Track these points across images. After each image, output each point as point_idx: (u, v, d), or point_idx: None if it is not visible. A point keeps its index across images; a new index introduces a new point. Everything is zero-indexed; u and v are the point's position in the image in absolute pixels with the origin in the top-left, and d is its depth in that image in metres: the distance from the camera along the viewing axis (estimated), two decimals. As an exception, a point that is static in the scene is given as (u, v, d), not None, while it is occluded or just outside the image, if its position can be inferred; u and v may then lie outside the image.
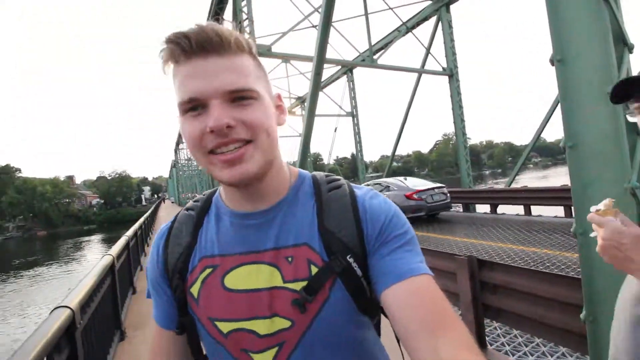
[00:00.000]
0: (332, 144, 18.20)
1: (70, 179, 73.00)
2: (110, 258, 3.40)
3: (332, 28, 9.50)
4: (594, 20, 1.54)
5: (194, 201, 0.65)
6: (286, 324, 0.53)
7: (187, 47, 0.47)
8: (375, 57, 9.83)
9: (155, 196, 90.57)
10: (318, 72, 4.39)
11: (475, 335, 2.49)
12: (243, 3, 7.62)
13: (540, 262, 4.80)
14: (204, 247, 0.58)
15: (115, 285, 3.42)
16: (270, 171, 0.55)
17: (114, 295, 3.36)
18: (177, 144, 39.73)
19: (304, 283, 0.52)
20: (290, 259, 0.54)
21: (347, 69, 14.82)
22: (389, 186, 9.27)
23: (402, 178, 9.71)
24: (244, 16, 7.58)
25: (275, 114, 0.55)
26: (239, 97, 0.49)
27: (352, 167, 15.53)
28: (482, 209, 10.25)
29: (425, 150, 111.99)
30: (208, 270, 0.57)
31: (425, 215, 8.74)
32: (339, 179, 0.61)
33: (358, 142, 15.47)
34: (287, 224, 0.56)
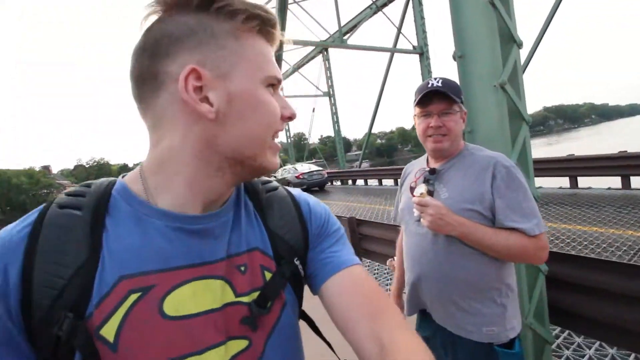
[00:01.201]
0: (310, 124, 18.39)
1: (46, 169, 70.29)
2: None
3: (301, 9, 9.44)
4: (485, 23, 1.78)
5: (70, 194, 0.45)
6: (242, 344, 0.46)
7: (275, 35, 0.48)
8: (345, 37, 9.86)
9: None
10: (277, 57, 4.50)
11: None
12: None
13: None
14: (121, 262, 0.41)
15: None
16: None
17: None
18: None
19: (258, 293, 0.48)
20: (243, 267, 0.48)
21: (322, 47, 14.70)
22: (290, 170, 13.68)
23: (298, 164, 15.11)
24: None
25: None
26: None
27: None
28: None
29: (408, 126, 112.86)
30: (135, 296, 0.40)
31: (305, 188, 12.04)
32: (272, 181, 0.60)
33: (335, 122, 15.61)
34: (237, 228, 0.50)
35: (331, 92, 15.56)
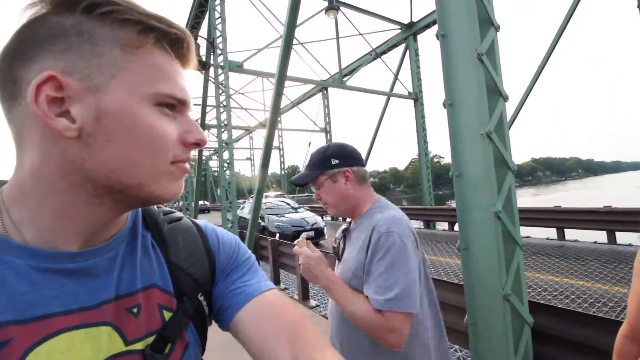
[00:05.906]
0: (305, 157, 18.70)
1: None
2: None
3: (304, 49, 10.00)
4: (473, 76, 1.89)
5: None
6: None
7: (184, 53, 0.42)
8: (345, 79, 10.35)
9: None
10: (279, 93, 4.64)
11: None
12: (217, 21, 7.89)
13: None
14: None
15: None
16: None
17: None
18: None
19: (154, 337, 0.42)
20: (136, 309, 0.42)
21: (323, 87, 15.34)
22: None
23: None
24: (218, 33, 7.84)
25: None
26: None
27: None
28: (441, 226, 10.77)
29: (401, 167, 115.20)
30: None
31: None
32: (175, 211, 0.55)
33: (330, 158, 15.87)
34: (130, 263, 0.44)
35: (328, 129, 15.99)
